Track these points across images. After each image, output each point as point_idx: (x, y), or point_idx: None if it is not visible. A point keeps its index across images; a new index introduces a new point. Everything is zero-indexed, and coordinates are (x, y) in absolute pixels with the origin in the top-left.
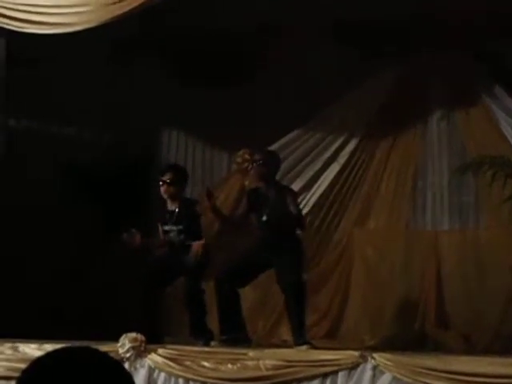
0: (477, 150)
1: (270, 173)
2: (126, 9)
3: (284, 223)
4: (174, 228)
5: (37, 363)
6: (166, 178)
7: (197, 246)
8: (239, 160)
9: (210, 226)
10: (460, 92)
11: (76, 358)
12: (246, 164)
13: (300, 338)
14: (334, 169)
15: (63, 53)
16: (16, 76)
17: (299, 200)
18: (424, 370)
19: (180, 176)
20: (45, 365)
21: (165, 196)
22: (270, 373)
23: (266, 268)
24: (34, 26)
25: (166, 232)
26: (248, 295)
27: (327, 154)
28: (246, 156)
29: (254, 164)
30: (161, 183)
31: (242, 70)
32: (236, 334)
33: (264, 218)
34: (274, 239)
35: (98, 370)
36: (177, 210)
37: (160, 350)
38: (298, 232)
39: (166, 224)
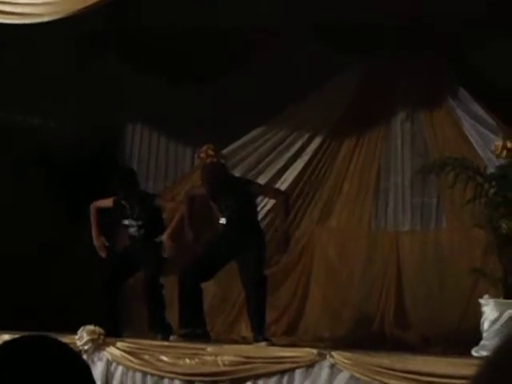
0: (440, 152)
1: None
2: (94, 1)
3: (244, 224)
4: (134, 223)
5: None
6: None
7: (167, 240)
8: (203, 155)
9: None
10: (424, 94)
11: (32, 348)
12: (210, 159)
13: (259, 334)
14: (297, 167)
15: (29, 43)
16: None
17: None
18: (381, 369)
19: (127, 179)
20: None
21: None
22: (228, 368)
23: (229, 261)
24: (2, 16)
25: (125, 226)
26: (208, 291)
27: (291, 152)
28: (210, 151)
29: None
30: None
31: (208, 68)
32: (195, 329)
33: (222, 221)
34: (236, 234)
35: (54, 360)
36: (134, 205)
37: (118, 344)
38: (261, 227)
39: (126, 218)
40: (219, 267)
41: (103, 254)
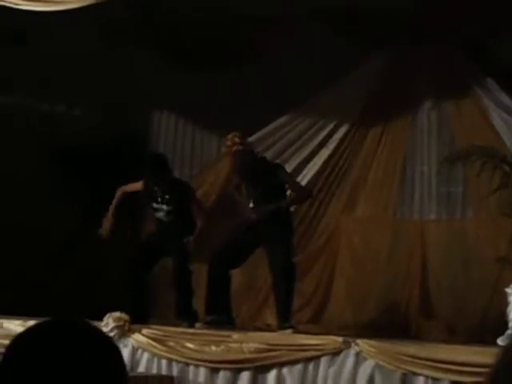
0: (466, 140)
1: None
2: None
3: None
4: (163, 207)
5: (23, 336)
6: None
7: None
8: (229, 143)
9: (204, 207)
10: (451, 83)
11: (63, 331)
12: (236, 147)
13: (285, 321)
14: (323, 155)
15: (54, 30)
16: (3, 52)
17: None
18: (406, 358)
19: (160, 166)
20: (31, 338)
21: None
22: (253, 356)
23: (257, 247)
24: (27, 3)
25: (154, 210)
26: (234, 278)
27: (316, 141)
28: (236, 139)
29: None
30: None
31: (233, 55)
32: (222, 316)
33: (251, 205)
34: (264, 219)
35: (84, 343)
36: (167, 190)
37: (144, 330)
38: (290, 212)
39: (156, 202)
40: (248, 254)
41: (105, 236)
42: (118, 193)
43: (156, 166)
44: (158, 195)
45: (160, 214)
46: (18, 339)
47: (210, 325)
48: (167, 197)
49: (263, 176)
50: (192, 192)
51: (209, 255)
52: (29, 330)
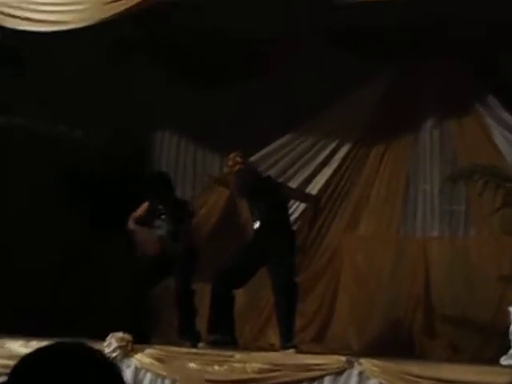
0: (468, 159)
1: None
2: (122, 8)
3: (276, 227)
4: (164, 225)
5: (29, 358)
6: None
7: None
8: (231, 163)
9: (202, 228)
10: (453, 101)
11: (67, 354)
12: (238, 166)
13: (288, 341)
14: (326, 173)
15: (55, 51)
16: (3, 74)
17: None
18: (411, 377)
19: (163, 184)
20: (35, 361)
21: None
22: (257, 376)
23: (261, 266)
24: (28, 24)
25: (155, 228)
26: (237, 299)
27: (319, 159)
28: (238, 159)
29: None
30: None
31: (235, 73)
32: (225, 336)
33: (256, 225)
34: (268, 237)
35: (88, 366)
36: (167, 209)
37: (147, 350)
38: (293, 231)
39: (158, 220)
40: (252, 274)
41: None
42: (131, 225)
43: (160, 185)
44: (160, 213)
45: (160, 232)
46: (23, 362)
47: (213, 345)
48: (170, 215)
49: (266, 194)
50: (191, 212)
51: (212, 275)
52: (34, 354)
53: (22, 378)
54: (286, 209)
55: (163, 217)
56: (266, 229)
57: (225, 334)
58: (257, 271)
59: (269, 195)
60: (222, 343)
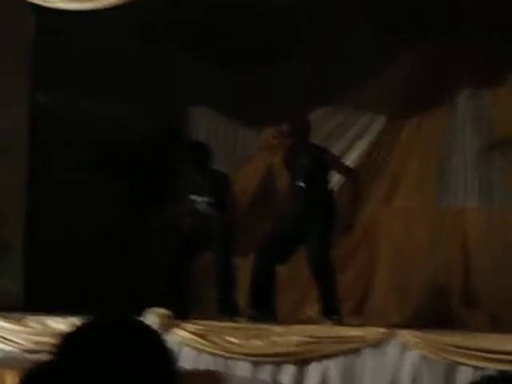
0: (504, 130)
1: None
2: None
3: (317, 193)
4: (202, 199)
5: (74, 334)
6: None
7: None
8: (267, 137)
9: (241, 201)
10: (488, 73)
11: (114, 330)
12: (274, 141)
13: (327, 314)
14: (361, 146)
15: (91, 30)
16: (46, 50)
17: None
18: (451, 348)
19: (202, 153)
20: (83, 336)
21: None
22: (296, 349)
23: (304, 241)
24: (63, 2)
25: (192, 201)
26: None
27: (354, 132)
28: (274, 133)
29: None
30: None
31: (269, 49)
32: (265, 310)
33: (300, 183)
34: (309, 203)
35: (134, 341)
36: (206, 181)
37: (187, 326)
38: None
39: (193, 194)
40: (293, 249)
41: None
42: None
43: (198, 154)
44: (198, 186)
45: (200, 206)
46: (70, 337)
47: (252, 319)
48: (209, 188)
49: (310, 155)
50: (229, 184)
51: (249, 249)
52: (80, 329)
53: (71, 354)
54: (328, 174)
55: (201, 190)
56: (307, 192)
57: (265, 308)
58: (298, 247)
59: (313, 157)
60: (262, 317)
